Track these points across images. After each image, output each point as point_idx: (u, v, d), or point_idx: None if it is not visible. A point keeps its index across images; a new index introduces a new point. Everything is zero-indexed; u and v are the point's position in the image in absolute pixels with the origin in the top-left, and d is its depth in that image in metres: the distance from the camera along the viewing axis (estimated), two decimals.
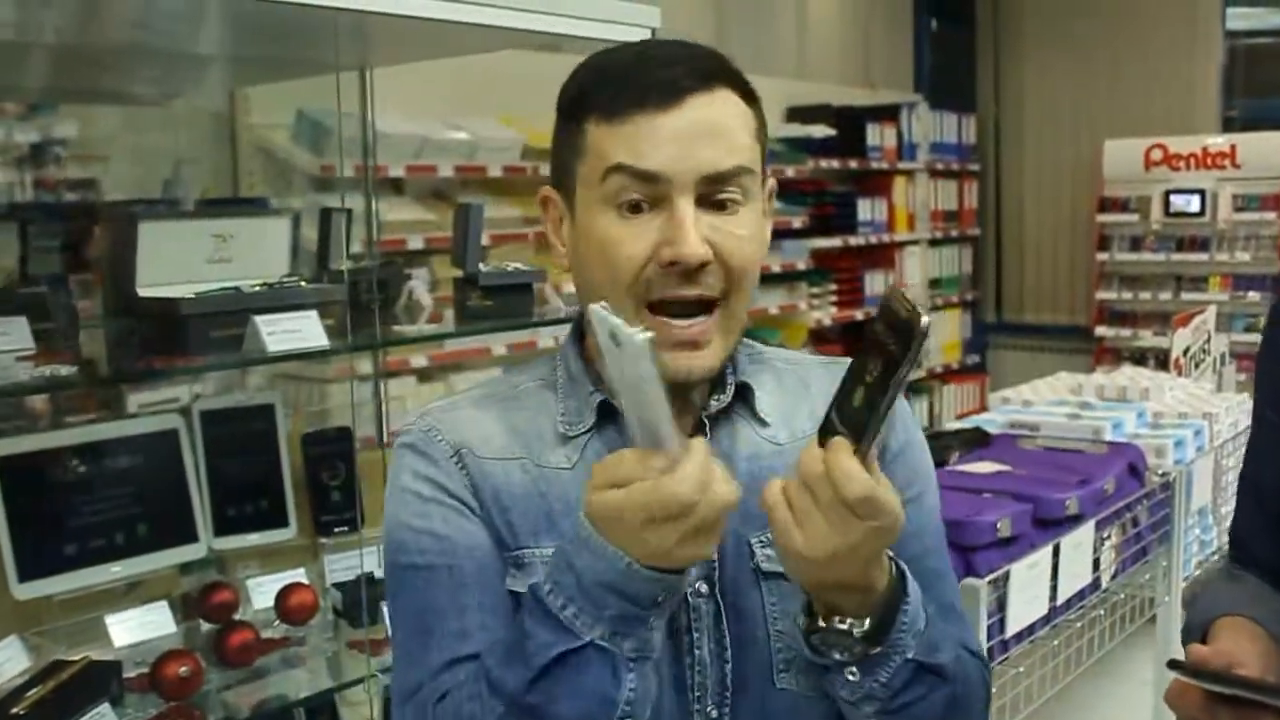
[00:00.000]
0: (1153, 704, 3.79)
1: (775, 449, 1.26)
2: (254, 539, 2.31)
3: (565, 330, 1.35)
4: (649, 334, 0.95)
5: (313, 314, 1.99)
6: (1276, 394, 1.46)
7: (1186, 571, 3.69)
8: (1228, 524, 4.16)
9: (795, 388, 1.32)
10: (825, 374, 1.33)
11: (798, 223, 6.59)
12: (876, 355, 0.98)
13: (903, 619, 1.11)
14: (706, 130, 1.15)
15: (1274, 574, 1.45)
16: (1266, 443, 1.49)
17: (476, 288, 2.38)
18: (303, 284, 2.18)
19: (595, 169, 1.16)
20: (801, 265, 6.67)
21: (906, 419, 1.34)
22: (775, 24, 7.47)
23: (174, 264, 2.08)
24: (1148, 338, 7.82)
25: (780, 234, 6.35)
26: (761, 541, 1.22)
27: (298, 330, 1.95)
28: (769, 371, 1.32)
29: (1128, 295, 8.08)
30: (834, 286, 7.04)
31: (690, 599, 1.20)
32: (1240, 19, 8.43)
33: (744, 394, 1.28)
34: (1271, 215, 7.55)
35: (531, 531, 1.20)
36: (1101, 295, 8.16)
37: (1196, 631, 1.42)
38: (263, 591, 2.30)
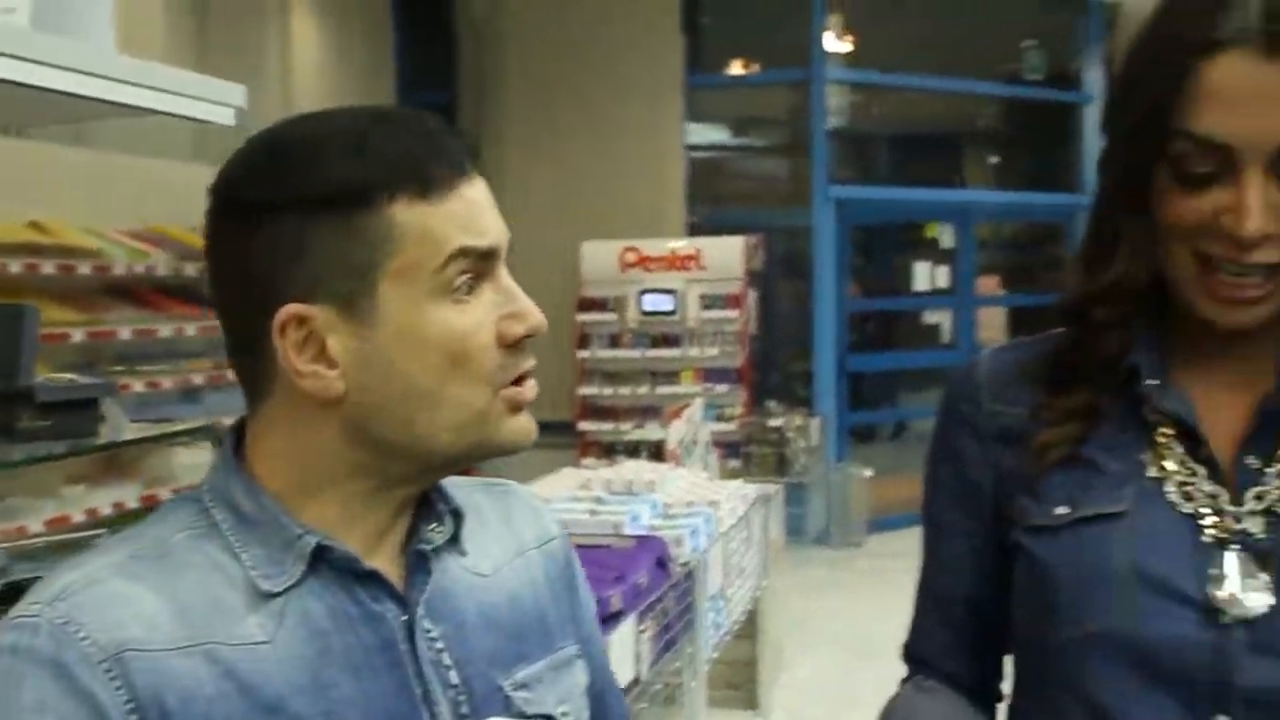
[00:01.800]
0: None
1: (483, 580, 1.06)
2: None
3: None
4: None
5: None
6: (956, 495, 1.28)
7: (708, 653, 3.81)
8: (734, 604, 4.34)
9: (468, 512, 1.09)
10: (487, 496, 1.15)
11: None
12: None
13: None
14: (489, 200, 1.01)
15: (970, 691, 1.30)
16: (950, 550, 1.30)
17: (31, 405, 2.03)
18: None
19: (426, 258, 0.94)
20: None
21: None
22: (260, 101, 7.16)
23: None
24: (629, 430, 8.17)
25: None
26: (515, 684, 1.03)
27: None
28: None
29: (608, 390, 8.42)
30: None
31: None
32: (697, 134, 9.19)
33: (457, 522, 1.06)
34: (733, 313, 8.17)
35: None
36: (584, 390, 8.45)
37: None
38: None
